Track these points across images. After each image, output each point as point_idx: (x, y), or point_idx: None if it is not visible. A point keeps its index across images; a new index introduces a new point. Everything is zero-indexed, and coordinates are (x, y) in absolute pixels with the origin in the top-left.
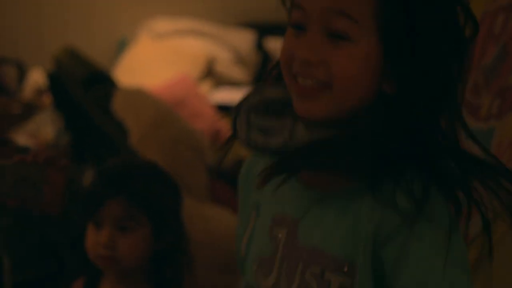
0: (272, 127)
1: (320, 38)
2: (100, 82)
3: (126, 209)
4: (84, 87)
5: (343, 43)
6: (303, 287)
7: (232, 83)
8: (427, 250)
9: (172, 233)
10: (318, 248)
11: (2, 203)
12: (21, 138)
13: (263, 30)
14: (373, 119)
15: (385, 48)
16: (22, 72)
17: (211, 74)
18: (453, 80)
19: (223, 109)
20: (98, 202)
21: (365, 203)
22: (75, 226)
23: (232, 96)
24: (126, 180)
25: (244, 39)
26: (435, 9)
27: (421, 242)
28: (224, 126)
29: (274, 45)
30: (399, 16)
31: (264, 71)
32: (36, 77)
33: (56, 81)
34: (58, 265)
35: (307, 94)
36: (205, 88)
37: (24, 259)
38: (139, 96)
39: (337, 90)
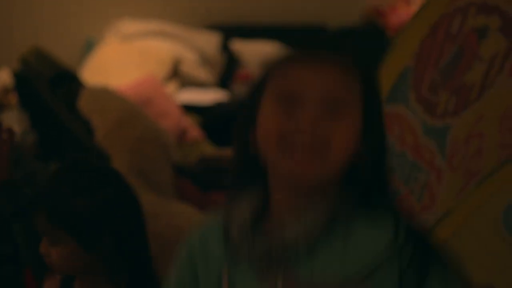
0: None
1: (319, 111)
2: (66, 81)
3: (46, 225)
4: (50, 87)
5: (341, 116)
6: None
7: (198, 84)
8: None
9: (112, 239)
10: None
11: None
12: None
13: (229, 32)
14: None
15: (365, 123)
16: None
17: (177, 74)
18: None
19: (188, 109)
20: (29, 210)
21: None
22: (23, 196)
23: (197, 96)
24: (47, 198)
25: (209, 41)
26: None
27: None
28: (189, 125)
29: (239, 46)
30: (374, 100)
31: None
32: (3, 77)
33: (22, 80)
34: (13, 248)
35: (305, 158)
36: (171, 88)
37: None
38: (105, 94)
39: (336, 151)
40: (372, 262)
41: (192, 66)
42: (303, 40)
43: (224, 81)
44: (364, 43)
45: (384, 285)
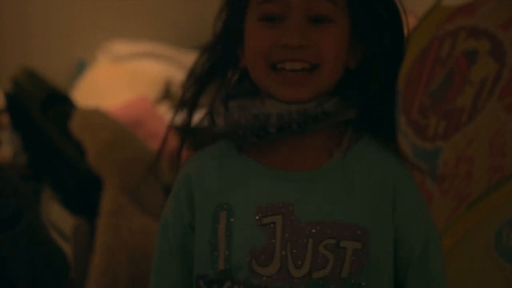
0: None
1: (304, 23)
2: (58, 102)
3: None
4: (42, 108)
5: (326, 25)
6: (318, 261)
7: None
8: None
9: None
10: (328, 221)
11: None
12: None
13: None
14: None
15: (353, 28)
16: None
17: (169, 96)
18: (400, 56)
19: (179, 130)
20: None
21: (367, 170)
22: (9, 205)
23: None
24: None
25: None
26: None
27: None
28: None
29: None
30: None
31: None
32: None
33: (14, 101)
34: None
35: (294, 81)
36: (162, 109)
37: None
38: (96, 116)
39: (326, 70)
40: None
41: None
42: None
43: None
44: None
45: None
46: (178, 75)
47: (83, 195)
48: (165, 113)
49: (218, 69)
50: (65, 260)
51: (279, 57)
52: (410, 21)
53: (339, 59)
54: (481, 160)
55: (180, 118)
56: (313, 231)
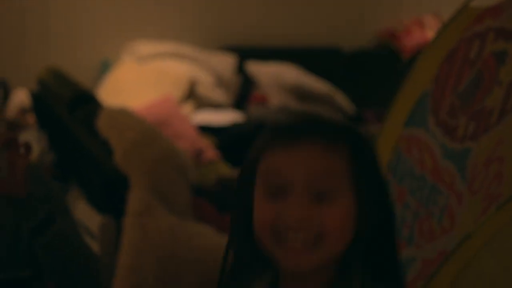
0: None
1: (306, 200)
2: (84, 102)
3: None
4: (68, 107)
5: (330, 201)
6: None
7: (214, 105)
8: None
9: None
10: None
11: None
12: None
13: (244, 53)
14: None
15: (359, 202)
16: (6, 92)
17: (193, 96)
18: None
19: (204, 130)
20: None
21: None
22: (41, 211)
23: (213, 117)
24: None
25: (225, 63)
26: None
27: None
28: (205, 146)
29: (255, 68)
30: (367, 172)
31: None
32: (21, 97)
33: (40, 101)
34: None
35: (297, 252)
36: (187, 109)
37: None
38: (123, 115)
39: (329, 243)
40: None
41: (208, 88)
42: (281, 128)
43: (239, 102)
44: (378, 66)
45: None
46: (202, 76)
47: (110, 194)
48: (190, 113)
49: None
50: (95, 262)
51: (283, 227)
52: (433, 24)
53: (344, 232)
54: (511, 161)
55: (202, 117)
56: None
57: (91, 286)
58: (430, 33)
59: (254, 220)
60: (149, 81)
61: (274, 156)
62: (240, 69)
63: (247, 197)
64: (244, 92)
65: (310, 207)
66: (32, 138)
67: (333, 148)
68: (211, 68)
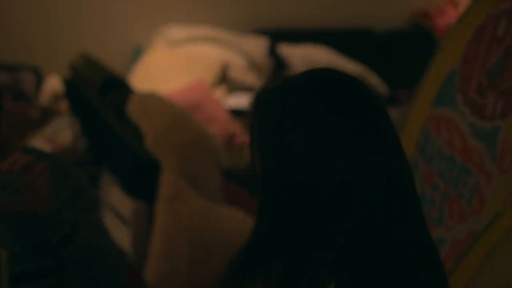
0: None
1: None
2: (116, 87)
3: None
4: (100, 93)
5: None
6: None
7: (246, 88)
8: None
9: None
10: None
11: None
12: (39, 142)
13: (276, 36)
14: None
15: None
16: (39, 78)
17: (225, 79)
18: None
19: (236, 113)
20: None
21: None
22: (66, 223)
23: (245, 101)
24: None
25: (257, 46)
26: None
27: None
28: (237, 129)
29: (287, 51)
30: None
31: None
32: (53, 83)
33: (72, 87)
34: (55, 259)
35: None
36: (219, 93)
37: (20, 251)
38: (153, 99)
39: None
40: None
41: (240, 71)
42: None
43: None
44: (412, 46)
45: None
46: (234, 59)
47: (141, 179)
48: (222, 97)
49: None
50: (122, 262)
51: None
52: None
53: None
54: None
55: (234, 101)
56: None
57: (115, 283)
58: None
59: None
60: (181, 66)
61: None
62: (272, 52)
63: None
64: (276, 75)
65: None
66: (65, 124)
67: None
68: (243, 52)
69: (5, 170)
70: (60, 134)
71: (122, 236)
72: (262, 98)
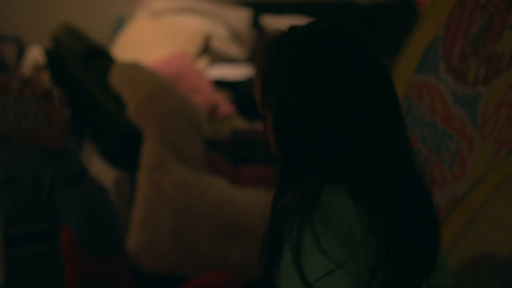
0: None
1: None
2: (97, 58)
3: None
4: (82, 63)
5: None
6: None
7: (228, 60)
8: None
9: None
10: None
11: (6, 138)
12: None
13: (259, 7)
14: None
15: None
16: (21, 49)
17: (208, 50)
18: None
19: (219, 84)
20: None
21: None
22: (73, 162)
23: (228, 72)
24: None
25: (240, 17)
26: None
27: None
28: (221, 100)
29: (270, 22)
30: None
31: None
32: (35, 54)
33: (54, 58)
34: (51, 221)
35: None
36: (202, 64)
37: (15, 213)
38: (135, 70)
39: None
40: None
41: (222, 42)
42: None
43: (254, 56)
44: (395, 18)
45: None
46: (217, 30)
47: (123, 148)
48: (205, 68)
49: None
50: (117, 214)
51: None
52: None
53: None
54: None
55: (217, 72)
56: None
57: (111, 237)
58: None
59: None
60: (164, 37)
61: None
62: (255, 23)
63: None
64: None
65: None
66: None
67: None
68: (226, 23)
69: (28, 98)
70: None
71: None
72: (270, 45)
